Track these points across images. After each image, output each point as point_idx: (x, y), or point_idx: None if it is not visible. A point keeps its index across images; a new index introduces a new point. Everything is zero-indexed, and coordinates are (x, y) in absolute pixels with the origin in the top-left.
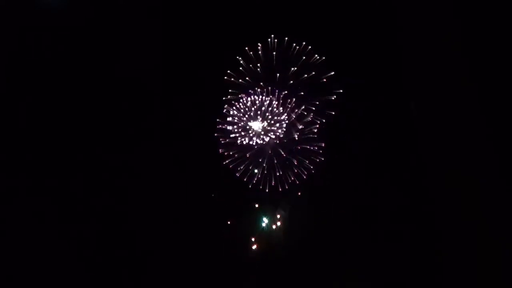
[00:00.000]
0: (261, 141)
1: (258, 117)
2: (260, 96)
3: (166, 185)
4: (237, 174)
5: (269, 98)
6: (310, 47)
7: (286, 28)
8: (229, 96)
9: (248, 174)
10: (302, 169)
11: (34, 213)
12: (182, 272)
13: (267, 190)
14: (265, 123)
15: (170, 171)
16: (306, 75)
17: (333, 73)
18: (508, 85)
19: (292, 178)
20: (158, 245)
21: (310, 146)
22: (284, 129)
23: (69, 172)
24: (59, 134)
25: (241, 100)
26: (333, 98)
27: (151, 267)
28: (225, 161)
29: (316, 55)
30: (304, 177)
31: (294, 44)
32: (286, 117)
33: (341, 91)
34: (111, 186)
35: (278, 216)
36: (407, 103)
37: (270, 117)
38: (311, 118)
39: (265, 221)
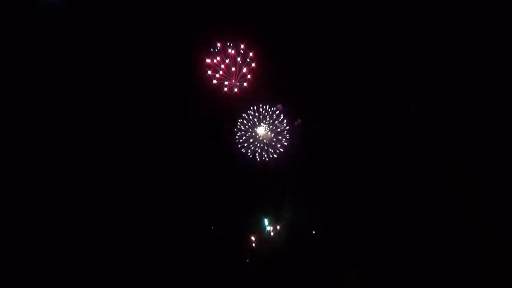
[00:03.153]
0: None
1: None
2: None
3: (164, 185)
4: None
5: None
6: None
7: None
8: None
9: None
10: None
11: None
12: (181, 272)
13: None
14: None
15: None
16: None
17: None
18: (508, 85)
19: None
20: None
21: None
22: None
23: (66, 172)
24: (58, 133)
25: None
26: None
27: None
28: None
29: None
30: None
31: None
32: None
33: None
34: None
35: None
36: (407, 103)
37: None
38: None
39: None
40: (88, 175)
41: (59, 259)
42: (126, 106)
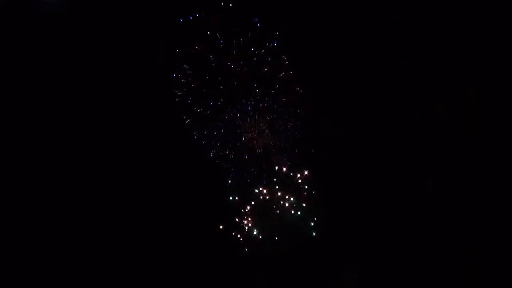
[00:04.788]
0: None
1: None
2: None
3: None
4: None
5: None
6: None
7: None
8: None
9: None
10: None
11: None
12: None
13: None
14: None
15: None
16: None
17: None
18: (508, 85)
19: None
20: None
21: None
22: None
23: (66, 173)
24: (56, 134)
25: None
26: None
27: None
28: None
29: None
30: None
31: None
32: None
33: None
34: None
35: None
36: (406, 103)
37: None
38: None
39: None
40: (87, 174)
41: (57, 258)
42: (123, 105)
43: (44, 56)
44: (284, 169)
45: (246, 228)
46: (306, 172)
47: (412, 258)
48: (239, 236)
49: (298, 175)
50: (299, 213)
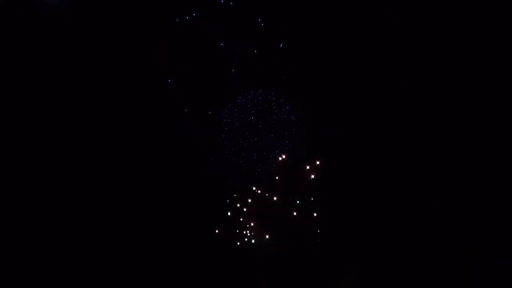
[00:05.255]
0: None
1: None
2: None
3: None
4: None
5: None
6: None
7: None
8: None
9: None
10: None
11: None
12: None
13: None
14: None
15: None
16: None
17: None
18: (508, 85)
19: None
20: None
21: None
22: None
23: (66, 174)
24: (56, 134)
25: None
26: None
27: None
28: None
29: None
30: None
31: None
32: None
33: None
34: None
35: None
36: (406, 103)
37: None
38: None
39: None
40: (87, 174)
41: (57, 258)
42: (125, 104)
43: (44, 56)
44: (285, 169)
45: (247, 233)
46: (317, 163)
47: (412, 258)
48: (238, 243)
49: (299, 175)
50: (301, 214)
